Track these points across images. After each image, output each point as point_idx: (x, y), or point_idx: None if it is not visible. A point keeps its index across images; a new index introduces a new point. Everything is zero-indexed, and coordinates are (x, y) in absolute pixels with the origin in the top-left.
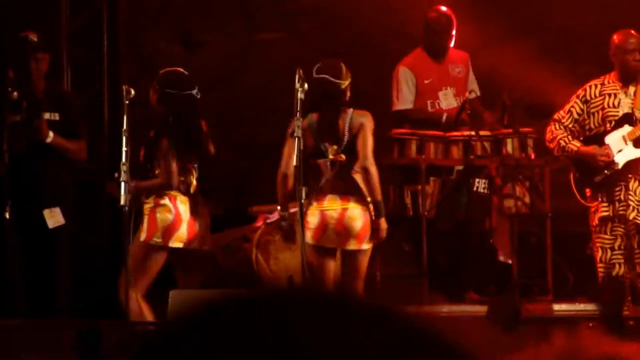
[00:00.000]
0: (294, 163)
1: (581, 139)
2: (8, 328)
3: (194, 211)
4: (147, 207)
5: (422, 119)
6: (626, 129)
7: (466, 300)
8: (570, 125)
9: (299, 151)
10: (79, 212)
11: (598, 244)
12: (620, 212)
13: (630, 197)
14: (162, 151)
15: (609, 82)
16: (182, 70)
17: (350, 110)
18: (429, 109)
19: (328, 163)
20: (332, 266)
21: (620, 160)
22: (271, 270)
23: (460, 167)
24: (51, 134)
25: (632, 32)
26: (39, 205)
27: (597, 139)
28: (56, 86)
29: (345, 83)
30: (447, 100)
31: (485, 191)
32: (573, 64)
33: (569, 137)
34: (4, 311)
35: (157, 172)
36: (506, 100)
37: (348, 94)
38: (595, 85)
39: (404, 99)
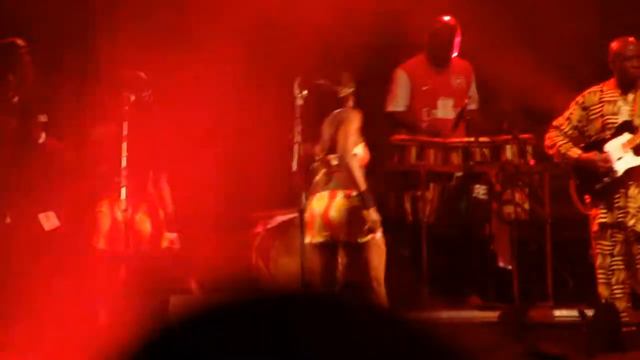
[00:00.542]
0: (293, 168)
1: (582, 145)
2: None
3: (135, 213)
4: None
5: (410, 124)
6: (626, 136)
7: (466, 305)
8: (569, 132)
9: (299, 157)
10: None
11: (598, 250)
12: (620, 219)
13: (630, 205)
14: None
15: (608, 89)
16: (139, 73)
17: (337, 110)
18: (425, 116)
19: (316, 165)
20: (335, 263)
21: (620, 167)
22: (271, 276)
23: (459, 173)
24: (43, 134)
25: (631, 39)
26: (33, 209)
27: (597, 146)
28: (42, 88)
29: (346, 90)
30: (445, 111)
31: (485, 197)
32: (572, 70)
33: (569, 143)
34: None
35: None
36: (505, 106)
37: (350, 102)
38: (595, 92)
39: (395, 101)
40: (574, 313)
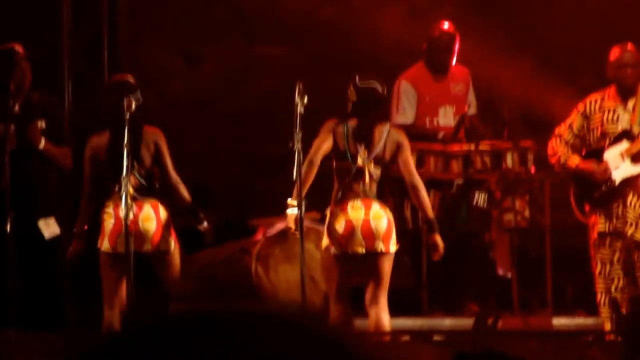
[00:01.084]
0: (294, 177)
1: (583, 154)
2: (10, 340)
3: (135, 215)
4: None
5: (420, 135)
6: (624, 145)
7: (465, 312)
8: (571, 140)
9: (299, 165)
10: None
11: (597, 258)
12: (618, 228)
13: (629, 213)
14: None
15: (608, 97)
16: (127, 76)
17: (388, 125)
18: (429, 125)
19: (354, 167)
20: (351, 272)
21: (618, 176)
22: (271, 283)
23: (460, 181)
24: (43, 140)
25: (629, 46)
26: (33, 216)
27: (597, 154)
28: (40, 94)
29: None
30: (446, 118)
31: (485, 205)
32: (573, 77)
33: (569, 152)
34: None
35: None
36: (506, 114)
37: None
38: (595, 101)
39: (405, 114)
40: (573, 321)
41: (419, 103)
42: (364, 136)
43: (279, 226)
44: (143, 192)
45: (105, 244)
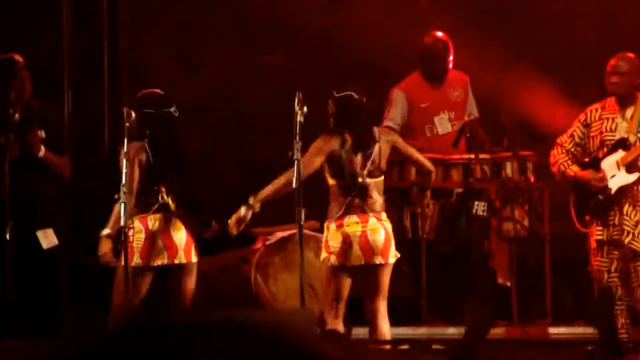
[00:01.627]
0: (294, 185)
1: (585, 161)
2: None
3: (166, 227)
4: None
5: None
6: (620, 154)
7: (465, 321)
8: (572, 149)
9: (299, 174)
10: (79, 234)
11: (595, 267)
12: (615, 237)
13: (625, 222)
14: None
15: (608, 106)
16: (158, 90)
17: (376, 129)
18: (427, 134)
19: (356, 186)
20: (348, 285)
21: (613, 185)
22: (270, 292)
23: (459, 190)
24: (43, 148)
25: (625, 55)
26: (32, 226)
27: (595, 163)
28: (40, 103)
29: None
30: (442, 126)
31: (485, 214)
32: (573, 86)
33: (569, 161)
34: (8, 333)
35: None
36: (505, 123)
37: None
38: (596, 109)
39: (391, 119)
40: (572, 331)
41: (415, 112)
42: (359, 148)
43: (279, 235)
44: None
45: (136, 259)
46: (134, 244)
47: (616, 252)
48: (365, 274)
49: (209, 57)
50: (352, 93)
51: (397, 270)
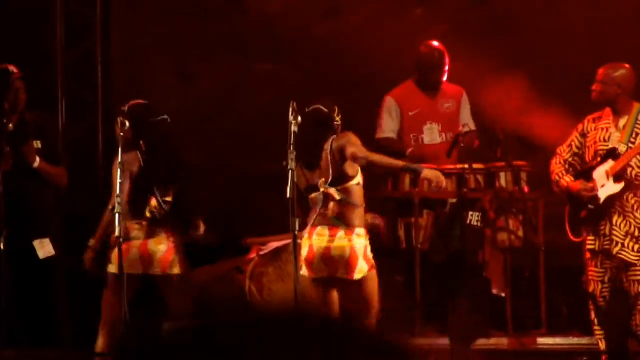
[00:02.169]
0: (288, 195)
1: (580, 171)
2: (8, 358)
3: (146, 238)
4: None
5: (396, 152)
6: (609, 164)
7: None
8: (570, 159)
9: (292, 183)
10: (73, 244)
11: (590, 277)
12: (606, 247)
13: (615, 232)
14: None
15: (604, 116)
16: (144, 101)
17: (331, 139)
18: (412, 142)
19: (320, 197)
20: (334, 297)
21: (602, 195)
22: (264, 302)
23: (453, 200)
24: (38, 159)
25: (611, 64)
26: (29, 236)
27: (587, 173)
28: (36, 114)
29: (337, 119)
30: (431, 136)
31: (479, 224)
32: (567, 96)
33: (564, 171)
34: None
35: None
36: (499, 134)
37: (338, 132)
38: (593, 119)
39: (385, 128)
40: (567, 341)
41: (404, 120)
42: (313, 161)
43: (273, 245)
44: (160, 216)
45: (112, 267)
46: (115, 252)
47: (609, 262)
48: (346, 289)
49: (204, 67)
50: (320, 107)
51: (391, 281)
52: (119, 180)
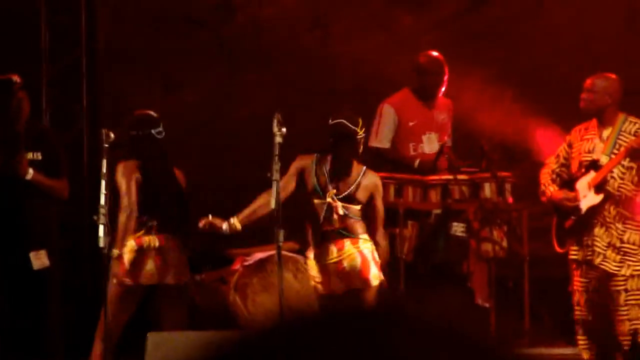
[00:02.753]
0: (272, 206)
1: (565, 181)
2: None
3: (160, 247)
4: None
5: (397, 160)
6: (591, 175)
7: None
8: (557, 169)
9: (277, 195)
10: (62, 254)
11: (575, 287)
12: (588, 258)
13: (596, 243)
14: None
15: (591, 127)
16: (147, 112)
17: (364, 167)
18: (411, 152)
19: (324, 205)
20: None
21: (584, 206)
22: (249, 313)
23: (438, 211)
24: (31, 170)
25: (600, 74)
26: (25, 247)
27: (570, 184)
28: (38, 125)
29: (360, 133)
30: (431, 145)
31: (463, 235)
32: (553, 107)
33: (549, 180)
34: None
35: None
36: (484, 144)
37: (361, 147)
38: (580, 130)
39: (383, 137)
40: (551, 351)
41: (402, 129)
42: (336, 173)
43: (257, 256)
44: (166, 225)
45: (127, 278)
46: (127, 263)
47: (593, 272)
48: (352, 299)
49: (189, 77)
50: (343, 121)
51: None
52: (103, 191)
